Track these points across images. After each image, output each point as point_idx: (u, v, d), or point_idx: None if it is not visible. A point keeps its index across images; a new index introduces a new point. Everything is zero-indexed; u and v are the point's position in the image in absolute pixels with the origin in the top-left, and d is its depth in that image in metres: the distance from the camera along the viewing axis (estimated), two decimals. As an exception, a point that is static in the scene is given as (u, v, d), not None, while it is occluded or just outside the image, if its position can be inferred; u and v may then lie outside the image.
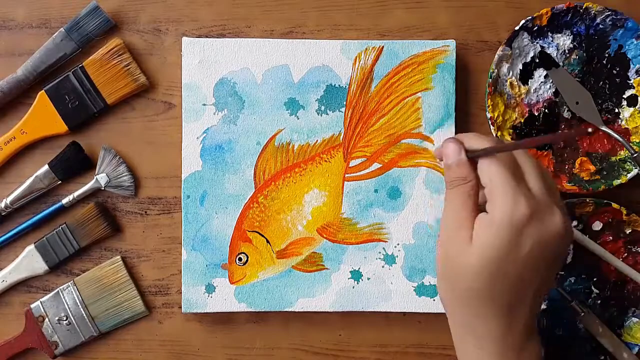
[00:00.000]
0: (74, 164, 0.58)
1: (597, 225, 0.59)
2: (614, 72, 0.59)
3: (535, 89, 0.59)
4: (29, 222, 0.58)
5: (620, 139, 0.57)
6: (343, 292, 0.58)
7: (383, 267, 0.58)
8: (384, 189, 0.58)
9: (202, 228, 0.57)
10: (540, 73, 0.59)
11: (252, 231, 0.58)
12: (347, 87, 0.58)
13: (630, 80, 0.59)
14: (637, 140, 0.59)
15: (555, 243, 0.41)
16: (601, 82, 0.59)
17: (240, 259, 0.58)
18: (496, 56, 0.57)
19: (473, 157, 0.43)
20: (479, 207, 0.43)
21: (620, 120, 0.59)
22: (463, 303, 0.43)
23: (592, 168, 0.59)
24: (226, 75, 0.58)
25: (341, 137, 0.58)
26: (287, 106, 0.58)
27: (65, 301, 0.58)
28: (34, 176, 0.58)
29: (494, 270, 0.41)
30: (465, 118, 0.60)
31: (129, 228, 0.60)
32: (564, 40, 0.59)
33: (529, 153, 0.44)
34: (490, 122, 0.57)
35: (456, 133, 0.58)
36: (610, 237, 0.59)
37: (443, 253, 0.43)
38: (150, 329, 0.60)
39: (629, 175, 0.58)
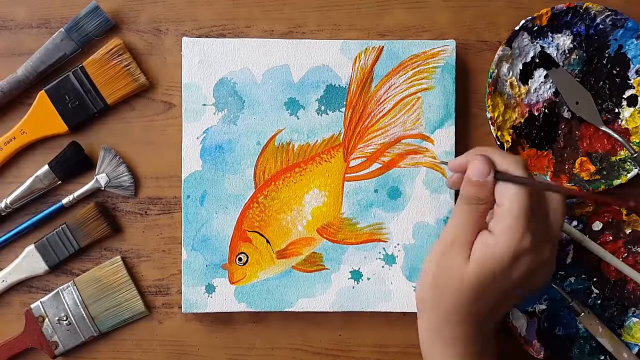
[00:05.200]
0: (74, 164, 0.58)
1: (597, 225, 0.59)
2: (614, 72, 0.59)
3: (535, 89, 0.59)
4: (29, 222, 0.58)
5: (620, 139, 0.57)
6: (343, 292, 0.58)
7: (383, 267, 0.58)
8: (384, 189, 0.58)
9: (202, 228, 0.57)
10: (540, 73, 0.59)
11: (252, 231, 0.58)
12: (347, 87, 0.58)
13: (630, 80, 0.59)
14: (637, 140, 0.59)
15: (542, 271, 0.44)
16: (601, 82, 0.59)
17: (240, 259, 0.58)
18: (496, 56, 0.57)
19: (501, 180, 0.42)
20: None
21: (620, 120, 0.59)
22: (445, 311, 0.44)
23: (592, 168, 0.59)
24: (226, 75, 0.58)
25: (341, 137, 0.58)
26: (287, 106, 0.58)
27: (65, 301, 0.58)
28: (34, 176, 0.58)
29: (486, 288, 0.43)
30: (465, 118, 0.60)
31: (129, 228, 0.60)
32: (564, 40, 0.59)
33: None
34: (490, 122, 0.57)
35: (456, 133, 0.58)
36: (610, 237, 0.59)
37: (438, 264, 0.44)
38: (150, 329, 0.60)
39: (629, 175, 0.58)
